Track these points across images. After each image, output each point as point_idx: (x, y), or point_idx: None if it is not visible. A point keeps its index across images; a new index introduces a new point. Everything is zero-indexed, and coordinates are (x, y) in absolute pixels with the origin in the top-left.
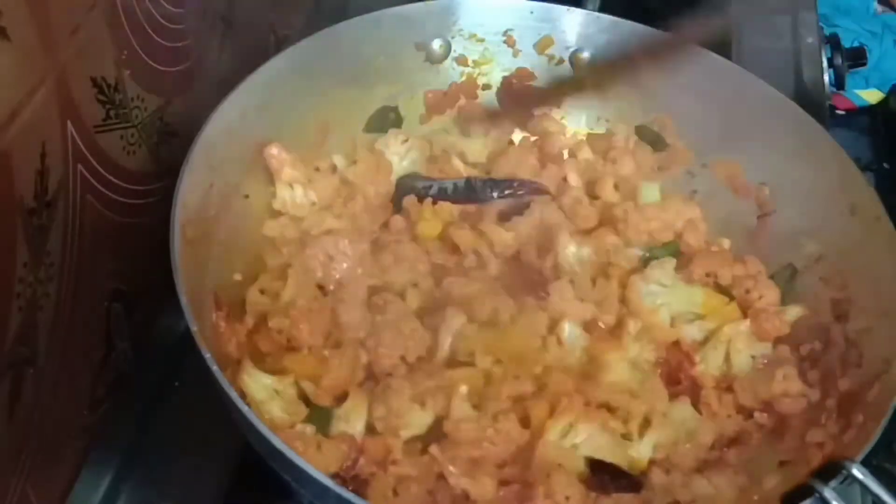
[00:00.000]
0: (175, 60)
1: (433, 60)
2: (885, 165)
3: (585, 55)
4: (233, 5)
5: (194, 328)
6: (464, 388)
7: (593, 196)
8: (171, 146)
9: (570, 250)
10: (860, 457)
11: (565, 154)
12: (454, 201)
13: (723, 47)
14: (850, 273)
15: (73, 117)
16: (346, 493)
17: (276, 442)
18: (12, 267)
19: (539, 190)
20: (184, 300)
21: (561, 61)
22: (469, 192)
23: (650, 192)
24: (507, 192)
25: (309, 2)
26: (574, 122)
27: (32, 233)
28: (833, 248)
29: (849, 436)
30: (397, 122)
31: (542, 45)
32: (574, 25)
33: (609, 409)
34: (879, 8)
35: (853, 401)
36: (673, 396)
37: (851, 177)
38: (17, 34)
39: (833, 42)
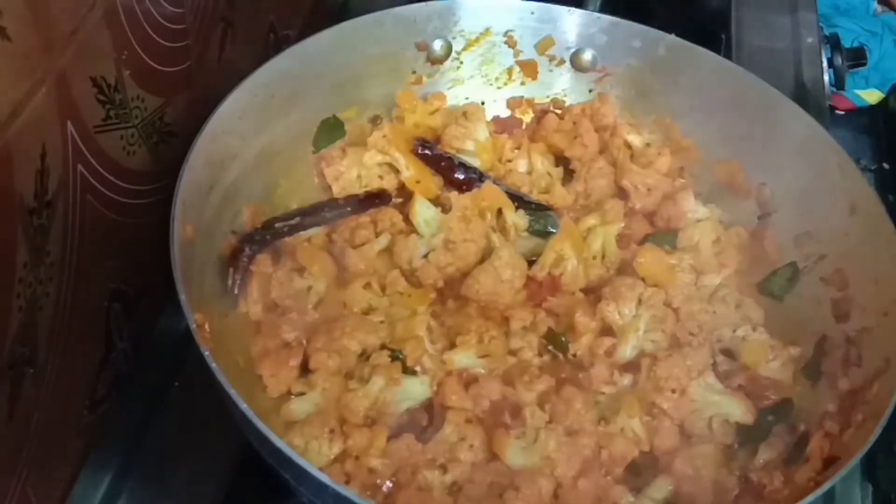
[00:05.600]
0: (175, 60)
1: (434, 60)
2: (885, 165)
3: (586, 55)
4: (233, 5)
5: (194, 326)
6: None
7: None
8: (171, 146)
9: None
10: (860, 455)
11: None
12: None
13: (723, 47)
14: (850, 273)
15: (73, 117)
16: (346, 491)
17: (276, 441)
18: (12, 267)
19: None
20: (183, 299)
21: (562, 62)
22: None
23: None
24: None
25: (309, 2)
26: None
27: (32, 233)
28: (833, 248)
29: (848, 435)
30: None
31: (542, 46)
32: (574, 26)
33: None
34: (879, 8)
35: (853, 400)
36: None
37: (851, 177)
38: (17, 34)
39: (833, 42)
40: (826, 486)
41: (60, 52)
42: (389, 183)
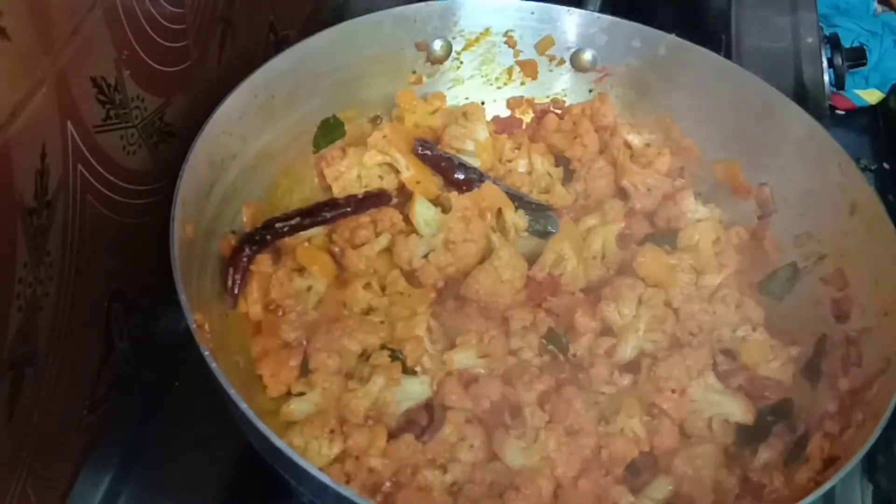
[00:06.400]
0: (175, 60)
1: (434, 60)
2: (885, 165)
3: (586, 55)
4: (233, 5)
5: (193, 326)
6: None
7: None
8: (171, 146)
9: None
10: (860, 455)
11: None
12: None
13: (723, 47)
14: (850, 273)
15: (73, 117)
16: (346, 491)
17: (276, 441)
18: (12, 267)
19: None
20: (183, 299)
21: (562, 62)
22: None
23: None
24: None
25: (309, 2)
26: None
27: (32, 233)
28: (833, 248)
29: (848, 435)
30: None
31: (543, 46)
32: (574, 26)
33: None
34: (879, 8)
35: (853, 400)
36: None
37: (851, 177)
38: (17, 34)
39: (833, 42)
40: (826, 487)
41: (60, 52)
42: (389, 183)
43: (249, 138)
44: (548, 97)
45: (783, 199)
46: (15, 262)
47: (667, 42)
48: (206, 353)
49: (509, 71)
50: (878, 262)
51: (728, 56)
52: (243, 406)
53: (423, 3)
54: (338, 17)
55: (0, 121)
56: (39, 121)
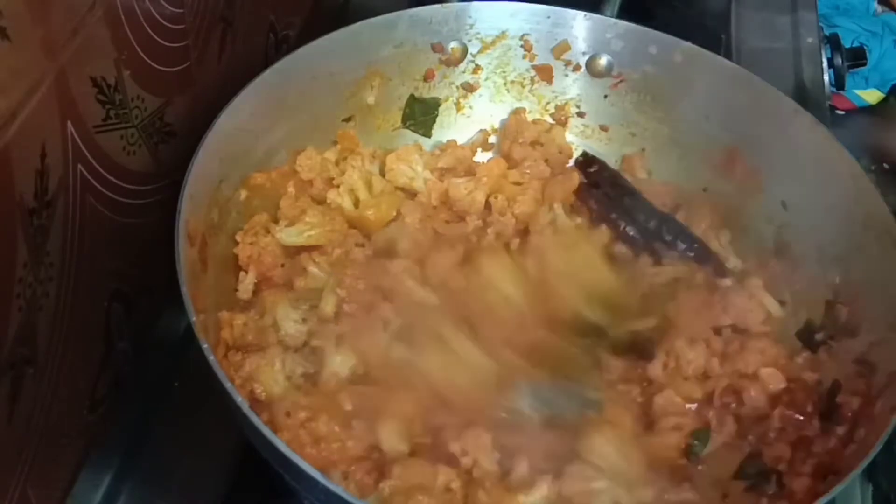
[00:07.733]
0: (175, 60)
1: (450, 63)
2: (885, 165)
3: (602, 61)
4: (233, 5)
5: (193, 318)
6: None
7: None
8: (171, 146)
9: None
10: (859, 469)
11: None
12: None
13: (722, 47)
14: (861, 287)
15: (73, 117)
16: (345, 493)
17: (275, 440)
18: (12, 267)
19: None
20: (184, 290)
21: (578, 67)
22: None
23: None
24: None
25: (309, 2)
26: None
27: (32, 233)
28: (846, 263)
29: (850, 450)
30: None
31: (558, 50)
32: (591, 31)
33: None
34: (879, 8)
35: (857, 415)
36: None
37: (865, 191)
38: (17, 34)
39: (833, 42)
40: (824, 499)
41: (60, 52)
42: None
43: (261, 135)
44: (564, 101)
45: (798, 213)
46: (15, 262)
47: (683, 49)
48: (205, 345)
49: (523, 78)
50: (889, 276)
51: (728, 56)
52: (244, 405)
53: (438, 6)
54: (338, 17)
55: (0, 121)
56: (39, 121)
